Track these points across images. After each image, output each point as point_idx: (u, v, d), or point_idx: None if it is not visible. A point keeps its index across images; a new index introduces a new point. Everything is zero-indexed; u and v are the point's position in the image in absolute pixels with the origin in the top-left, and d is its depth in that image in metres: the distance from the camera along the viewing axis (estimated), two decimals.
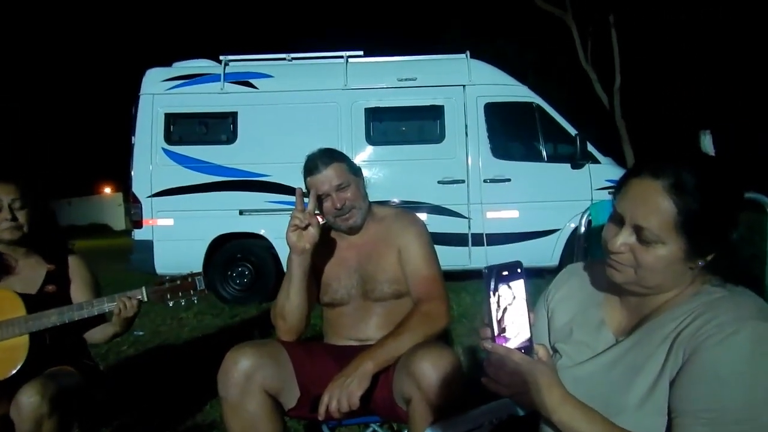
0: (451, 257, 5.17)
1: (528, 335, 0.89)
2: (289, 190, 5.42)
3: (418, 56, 5.90)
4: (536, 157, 5.66)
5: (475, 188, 5.53)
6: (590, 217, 1.58)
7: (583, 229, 1.62)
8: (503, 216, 5.55)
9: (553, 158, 5.65)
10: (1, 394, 1.59)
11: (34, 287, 1.87)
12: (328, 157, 1.75)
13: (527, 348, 0.89)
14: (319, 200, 1.74)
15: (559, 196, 5.52)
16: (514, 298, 0.88)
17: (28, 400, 1.53)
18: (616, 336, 1.01)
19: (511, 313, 0.88)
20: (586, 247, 1.60)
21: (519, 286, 0.88)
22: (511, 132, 6.07)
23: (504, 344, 0.88)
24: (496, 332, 0.88)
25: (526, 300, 0.89)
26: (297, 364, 1.57)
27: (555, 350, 1.08)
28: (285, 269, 5.26)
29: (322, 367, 1.54)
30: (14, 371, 1.65)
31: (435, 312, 1.62)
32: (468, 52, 5.72)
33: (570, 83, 14.03)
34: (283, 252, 5.41)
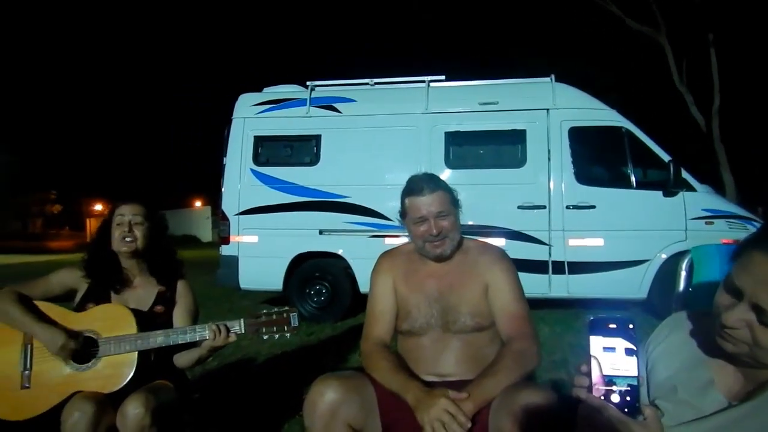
0: (529, 285, 4.96)
1: (632, 393, 0.84)
2: (367, 212, 5.52)
3: (501, 80, 5.85)
4: (624, 184, 5.39)
5: (556, 214, 5.35)
6: (692, 262, 1.47)
7: (683, 282, 1.49)
8: (587, 244, 5.33)
9: (643, 185, 5.37)
10: (107, 403, 1.72)
11: (146, 305, 2.03)
12: (434, 183, 1.77)
13: (631, 407, 0.84)
14: (412, 221, 1.77)
15: (649, 224, 5.23)
16: (620, 353, 0.84)
17: (134, 412, 1.65)
18: (729, 399, 0.93)
19: (613, 368, 0.85)
20: (687, 299, 1.47)
21: (627, 343, 0.84)
22: (598, 157, 5.85)
23: (601, 397, 0.85)
24: (593, 384, 0.85)
25: (637, 359, 0.84)
26: (381, 400, 1.58)
27: (655, 407, 1.01)
28: (360, 289, 5.26)
29: (405, 404, 1.52)
30: (122, 385, 1.78)
31: (528, 352, 1.60)
32: (553, 76, 5.60)
33: (662, 105, 13.29)
34: (359, 272, 5.50)
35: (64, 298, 2.02)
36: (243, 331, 1.88)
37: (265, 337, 1.88)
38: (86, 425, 1.62)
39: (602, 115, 5.51)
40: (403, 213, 1.82)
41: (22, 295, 1.90)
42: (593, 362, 0.85)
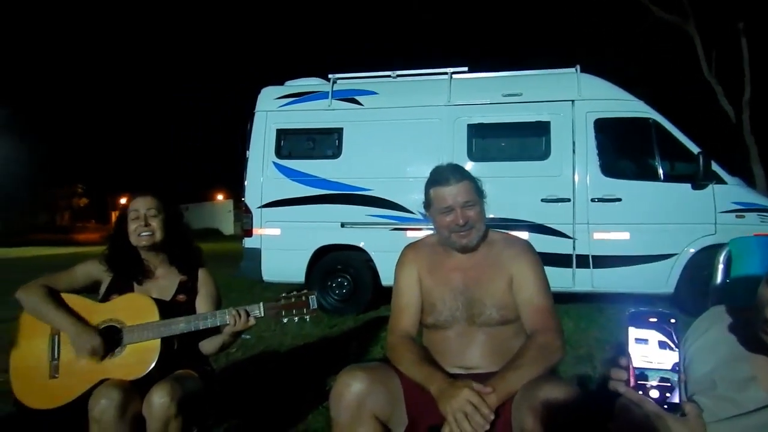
0: (553, 278, 4.89)
1: (673, 389, 0.82)
2: (389, 205, 5.51)
3: (525, 71, 5.76)
4: (651, 176, 5.28)
5: (581, 207, 5.27)
6: (730, 255, 1.41)
7: (720, 275, 1.43)
8: (612, 237, 5.24)
9: (671, 178, 5.25)
10: (133, 391, 1.74)
11: (168, 295, 2.05)
12: (459, 173, 1.75)
13: (671, 404, 0.82)
14: (437, 211, 1.74)
15: (677, 218, 5.12)
16: (653, 346, 0.81)
17: (159, 401, 1.67)
18: None
19: (645, 360, 0.82)
20: (723, 294, 1.41)
21: (661, 335, 0.82)
22: (624, 149, 5.75)
23: (640, 393, 0.82)
24: (631, 377, 0.83)
25: (678, 353, 0.82)
26: (407, 392, 1.57)
27: (693, 402, 0.98)
28: (382, 282, 5.24)
29: (431, 396, 1.51)
30: (147, 372, 1.81)
31: (552, 345, 1.58)
32: (578, 66, 5.50)
33: (690, 96, 12.95)
34: (381, 265, 5.50)
35: (89, 289, 2.06)
36: (262, 315, 1.89)
37: (285, 321, 1.89)
38: (114, 412, 1.65)
39: (629, 106, 5.39)
40: (428, 204, 1.79)
41: (50, 289, 1.93)
42: (631, 355, 0.83)
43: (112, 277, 2.05)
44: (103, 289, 2.05)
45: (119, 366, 1.83)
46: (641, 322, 0.83)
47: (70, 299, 1.95)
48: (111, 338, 1.87)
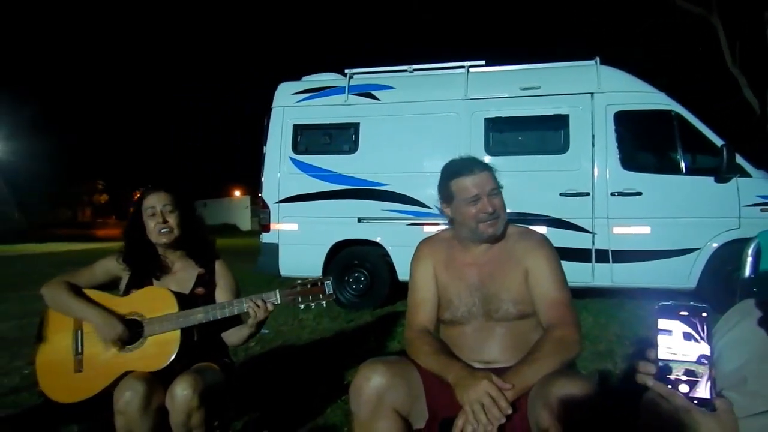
0: (571, 273, 4.83)
1: (699, 382, 0.80)
2: (406, 200, 5.50)
3: (543, 64, 5.69)
4: (673, 170, 5.19)
5: (600, 201, 5.20)
6: (759, 247, 1.38)
7: (748, 268, 1.39)
8: (632, 232, 5.17)
9: (693, 171, 5.15)
10: (157, 383, 1.77)
11: (187, 288, 2.07)
12: (480, 163, 1.74)
13: (701, 398, 0.80)
14: (464, 202, 1.70)
15: (699, 212, 5.03)
16: (677, 336, 0.80)
17: (182, 393, 1.69)
18: None
19: (678, 354, 0.81)
20: (752, 287, 1.37)
21: (694, 329, 0.80)
22: (645, 142, 5.65)
23: (669, 387, 0.81)
24: (660, 371, 0.82)
25: (708, 348, 0.80)
26: (427, 385, 1.56)
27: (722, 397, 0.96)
28: (399, 277, 5.22)
29: (451, 390, 1.49)
30: (167, 363, 1.83)
31: (569, 339, 1.55)
32: (598, 58, 5.41)
33: (713, 88, 12.68)
34: (398, 260, 5.49)
35: (109, 286, 2.08)
36: (279, 302, 1.91)
37: (302, 307, 1.90)
38: (138, 404, 1.68)
39: (650, 98, 5.29)
40: (448, 197, 1.74)
41: (72, 284, 1.97)
42: (659, 348, 0.82)
43: (130, 273, 2.07)
44: (122, 285, 2.07)
45: (140, 358, 1.85)
46: (668, 314, 0.81)
47: (92, 294, 1.99)
48: (133, 331, 1.89)
